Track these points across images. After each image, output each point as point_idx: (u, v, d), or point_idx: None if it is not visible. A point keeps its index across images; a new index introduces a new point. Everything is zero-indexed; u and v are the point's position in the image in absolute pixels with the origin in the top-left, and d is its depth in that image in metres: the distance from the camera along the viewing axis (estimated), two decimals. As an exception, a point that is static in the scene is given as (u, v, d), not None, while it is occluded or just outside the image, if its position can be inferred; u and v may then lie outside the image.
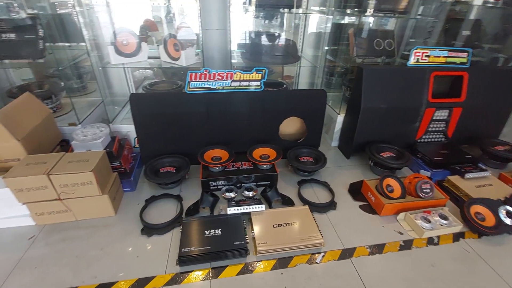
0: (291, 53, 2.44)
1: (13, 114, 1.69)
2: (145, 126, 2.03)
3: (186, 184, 2.07)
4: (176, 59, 2.14)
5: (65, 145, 2.11)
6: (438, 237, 1.67)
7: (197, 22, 2.17)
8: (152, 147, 2.11)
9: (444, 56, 2.21)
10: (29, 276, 1.38)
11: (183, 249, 1.47)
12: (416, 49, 2.16)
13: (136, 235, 1.64)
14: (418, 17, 2.66)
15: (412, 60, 2.20)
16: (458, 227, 1.69)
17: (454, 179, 2.03)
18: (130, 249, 1.54)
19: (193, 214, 1.78)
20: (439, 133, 2.43)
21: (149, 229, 1.66)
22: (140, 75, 3.14)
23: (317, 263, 1.48)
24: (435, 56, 2.20)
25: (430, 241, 1.65)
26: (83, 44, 2.23)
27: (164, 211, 1.81)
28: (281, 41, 2.47)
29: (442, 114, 2.33)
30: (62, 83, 2.44)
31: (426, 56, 2.19)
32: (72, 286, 1.34)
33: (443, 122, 2.38)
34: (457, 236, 1.68)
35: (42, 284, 1.35)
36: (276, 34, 2.51)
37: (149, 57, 2.24)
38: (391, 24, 2.85)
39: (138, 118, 1.99)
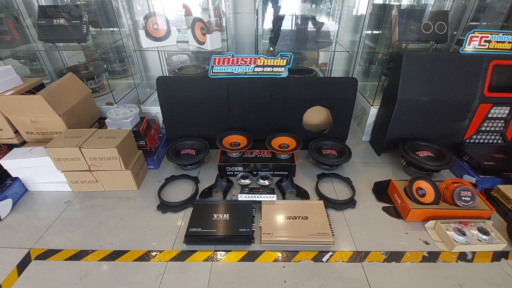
0: (320, 37, 2.27)
1: (56, 92, 1.89)
2: (170, 108, 2.10)
3: (205, 167, 2.12)
4: (202, 43, 2.15)
5: (102, 122, 2.31)
6: (474, 253, 1.44)
7: (225, 5, 2.14)
8: (176, 129, 2.19)
9: (510, 42, 1.83)
10: (60, 235, 1.57)
11: (190, 229, 1.51)
12: (472, 33, 1.83)
13: (153, 210, 1.74)
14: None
15: (466, 46, 1.87)
16: (501, 245, 1.44)
17: (506, 188, 1.72)
18: (145, 222, 1.65)
19: (206, 197, 1.82)
20: (494, 134, 2.06)
21: (164, 206, 1.75)
22: (177, 60, 3.26)
23: (323, 261, 1.40)
24: (497, 42, 1.84)
25: (462, 256, 1.43)
26: (123, 29, 2.38)
27: (181, 191, 1.89)
28: (312, 25, 2.30)
29: (501, 111, 1.97)
30: (105, 65, 2.66)
31: (486, 41, 1.84)
32: (92, 248, 1.49)
33: (502, 121, 2.01)
34: (498, 256, 1.43)
35: (69, 243, 1.52)
36: (308, 17, 2.34)
37: (178, 41, 2.29)
38: (447, 5, 2.45)
39: (163, 100, 2.07)
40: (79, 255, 1.45)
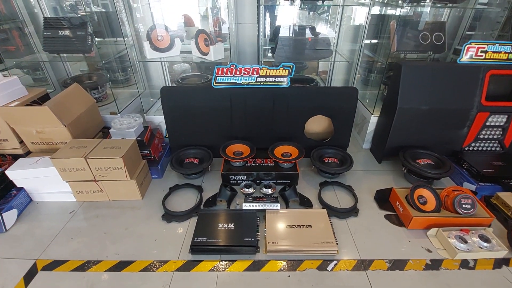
0: (320, 46, 2.32)
1: (62, 103, 1.92)
2: (174, 117, 2.13)
3: (208, 176, 2.14)
4: (206, 54, 2.19)
5: (106, 131, 2.33)
6: (475, 260, 1.46)
7: (227, 16, 2.19)
8: (180, 138, 2.22)
9: (506, 52, 1.89)
10: (65, 245, 1.58)
11: (196, 238, 1.53)
12: (469, 44, 1.88)
13: (157, 219, 1.75)
14: (479, 6, 2.30)
15: (464, 57, 1.92)
16: (502, 252, 1.46)
17: (506, 196, 1.75)
18: (150, 232, 1.66)
19: (211, 206, 1.83)
20: (493, 142, 2.10)
21: (169, 216, 1.76)
22: (179, 69, 3.30)
23: (327, 270, 1.42)
24: (493, 52, 1.89)
25: (464, 264, 1.45)
26: (126, 39, 2.42)
27: (185, 200, 1.90)
28: (311, 34, 2.35)
29: (498, 119, 2.01)
30: (108, 75, 2.69)
31: (483, 51, 1.89)
32: (98, 259, 1.50)
33: (499, 129, 2.05)
34: (500, 263, 1.45)
35: (75, 254, 1.53)
36: (308, 27, 2.40)
37: (181, 52, 2.33)
38: (444, 14, 2.52)
39: (167, 109, 2.10)
40: (85, 266, 1.46)
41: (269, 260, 1.47)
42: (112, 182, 1.81)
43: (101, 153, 1.73)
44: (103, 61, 2.30)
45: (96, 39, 2.60)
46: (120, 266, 1.46)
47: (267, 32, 2.76)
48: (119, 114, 2.36)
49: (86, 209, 1.84)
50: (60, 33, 2.24)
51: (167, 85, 2.80)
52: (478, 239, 1.51)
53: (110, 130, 2.11)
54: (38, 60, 2.57)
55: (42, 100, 2.02)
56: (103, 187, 1.83)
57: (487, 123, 2.02)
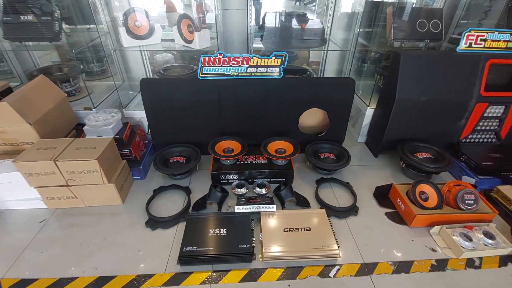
0: (315, 35, 2.17)
1: (26, 98, 1.68)
2: (156, 112, 1.94)
3: (196, 176, 1.98)
4: (190, 41, 2.00)
5: (80, 129, 2.10)
6: (481, 259, 1.41)
7: (214, 2, 1.99)
8: (163, 135, 2.04)
9: (505, 41, 1.82)
10: (35, 261, 1.39)
11: (184, 247, 1.38)
12: (469, 32, 1.80)
13: (141, 227, 1.58)
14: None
15: (463, 45, 1.84)
16: (507, 249, 1.41)
17: (506, 189, 1.70)
18: (132, 241, 1.49)
19: (200, 209, 1.68)
20: (489, 133, 2.06)
21: (153, 222, 1.59)
22: (160, 59, 3.06)
23: (330, 277, 1.32)
24: (493, 41, 1.81)
25: (470, 263, 1.39)
26: (101, 26, 2.17)
27: (171, 204, 1.74)
28: (304, 22, 2.20)
29: (496, 110, 1.96)
30: (82, 66, 2.43)
31: (482, 40, 1.82)
32: (73, 275, 1.32)
33: (496, 120, 2.01)
34: (505, 260, 1.40)
35: (46, 270, 1.34)
36: (301, 14, 2.24)
37: (163, 40, 2.12)
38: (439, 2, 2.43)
39: (148, 104, 1.90)
40: (58, 284, 1.28)
41: (267, 268, 1.35)
42: (88, 186, 1.61)
43: (73, 155, 1.53)
44: (73, 50, 2.05)
45: (66, 26, 2.34)
46: (99, 282, 1.29)
47: (259, 20, 2.58)
48: (94, 110, 2.14)
49: (59, 217, 1.64)
50: (22, 18, 1.96)
51: (149, 76, 2.58)
52: (482, 236, 1.45)
53: (84, 128, 1.89)
54: (-1, 49, 2.28)
55: (3, 95, 1.76)
56: (77, 192, 1.63)
57: (485, 114, 1.97)
